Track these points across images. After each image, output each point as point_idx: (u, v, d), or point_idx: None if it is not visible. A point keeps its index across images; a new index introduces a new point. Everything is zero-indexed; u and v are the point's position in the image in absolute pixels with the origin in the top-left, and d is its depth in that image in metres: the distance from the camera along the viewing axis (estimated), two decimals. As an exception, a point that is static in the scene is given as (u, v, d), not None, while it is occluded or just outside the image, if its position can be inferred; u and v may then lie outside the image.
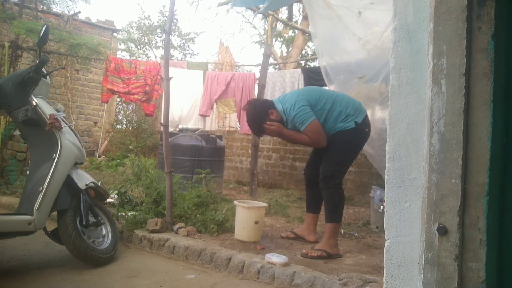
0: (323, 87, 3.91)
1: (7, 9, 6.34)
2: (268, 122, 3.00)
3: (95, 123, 10.20)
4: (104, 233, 2.84)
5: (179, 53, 15.57)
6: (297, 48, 11.34)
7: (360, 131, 2.97)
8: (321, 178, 2.94)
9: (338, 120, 2.93)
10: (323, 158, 3.00)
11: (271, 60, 10.20)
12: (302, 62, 11.77)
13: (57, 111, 2.73)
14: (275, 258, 2.54)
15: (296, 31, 11.62)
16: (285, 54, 13.67)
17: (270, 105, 3.07)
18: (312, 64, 11.65)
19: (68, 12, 8.29)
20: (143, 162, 4.32)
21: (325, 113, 2.93)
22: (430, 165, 0.98)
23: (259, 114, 3.03)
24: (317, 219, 3.29)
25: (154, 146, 8.84)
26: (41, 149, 2.66)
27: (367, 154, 3.99)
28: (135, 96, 7.05)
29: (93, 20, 10.25)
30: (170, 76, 3.42)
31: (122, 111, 11.53)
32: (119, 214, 3.57)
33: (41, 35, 2.72)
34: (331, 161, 2.93)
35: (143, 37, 15.44)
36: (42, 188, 2.48)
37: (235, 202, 3.25)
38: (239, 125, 7.71)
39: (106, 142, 9.70)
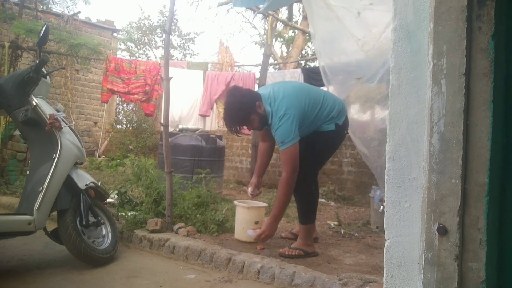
0: (321, 87, 3.90)
1: (7, 9, 6.34)
2: (257, 232, 2.81)
3: (95, 123, 10.20)
4: (104, 233, 2.84)
5: (179, 53, 15.59)
6: (297, 48, 11.34)
7: (339, 133, 2.94)
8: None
9: (323, 122, 2.87)
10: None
11: (271, 60, 10.19)
12: (302, 62, 11.77)
13: (57, 111, 2.73)
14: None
15: (296, 31, 11.62)
16: (285, 54, 13.66)
17: (257, 96, 2.79)
18: (312, 64, 11.65)
19: (68, 12, 8.29)
20: (143, 162, 4.32)
21: (312, 117, 2.82)
22: (430, 165, 0.98)
23: (249, 107, 2.72)
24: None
25: (154, 146, 8.84)
26: (41, 149, 2.66)
27: (362, 154, 3.99)
28: (135, 96, 7.05)
29: (93, 20, 10.26)
30: (170, 76, 3.42)
31: (122, 111, 11.53)
32: (119, 214, 3.57)
33: (41, 35, 2.72)
34: (305, 164, 2.80)
35: (143, 37, 15.45)
36: (42, 188, 2.48)
37: (235, 202, 3.25)
38: (239, 125, 7.70)
39: (106, 142, 9.70)
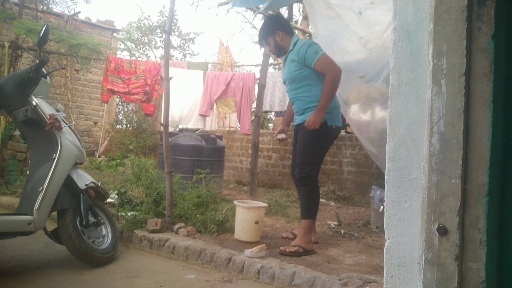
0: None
1: (7, 9, 6.34)
2: (308, 123, 2.91)
3: (95, 123, 10.20)
4: (104, 233, 2.84)
5: (179, 53, 15.59)
6: (297, 48, 11.32)
7: (323, 127, 2.96)
8: (299, 178, 3.03)
9: (307, 102, 3.00)
10: (296, 158, 3.08)
11: (271, 60, 10.19)
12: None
13: (57, 111, 2.73)
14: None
15: (296, 31, 11.61)
16: (285, 54, 13.65)
17: (283, 27, 3.17)
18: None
19: (68, 12, 8.30)
20: (143, 162, 4.32)
21: (308, 79, 2.98)
22: (430, 165, 0.98)
23: (267, 29, 3.21)
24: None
25: (154, 146, 8.85)
26: (41, 149, 2.66)
27: (370, 153, 3.98)
28: (135, 96, 7.05)
29: (93, 20, 10.26)
30: (170, 76, 3.42)
31: (122, 111, 11.53)
32: (119, 214, 3.57)
33: (41, 35, 2.72)
34: (305, 162, 3.00)
35: (143, 37, 15.45)
36: (42, 188, 2.47)
37: (235, 202, 3.25)
38: (239, 125, 7.71)
39: (106, 142, 9.70)
